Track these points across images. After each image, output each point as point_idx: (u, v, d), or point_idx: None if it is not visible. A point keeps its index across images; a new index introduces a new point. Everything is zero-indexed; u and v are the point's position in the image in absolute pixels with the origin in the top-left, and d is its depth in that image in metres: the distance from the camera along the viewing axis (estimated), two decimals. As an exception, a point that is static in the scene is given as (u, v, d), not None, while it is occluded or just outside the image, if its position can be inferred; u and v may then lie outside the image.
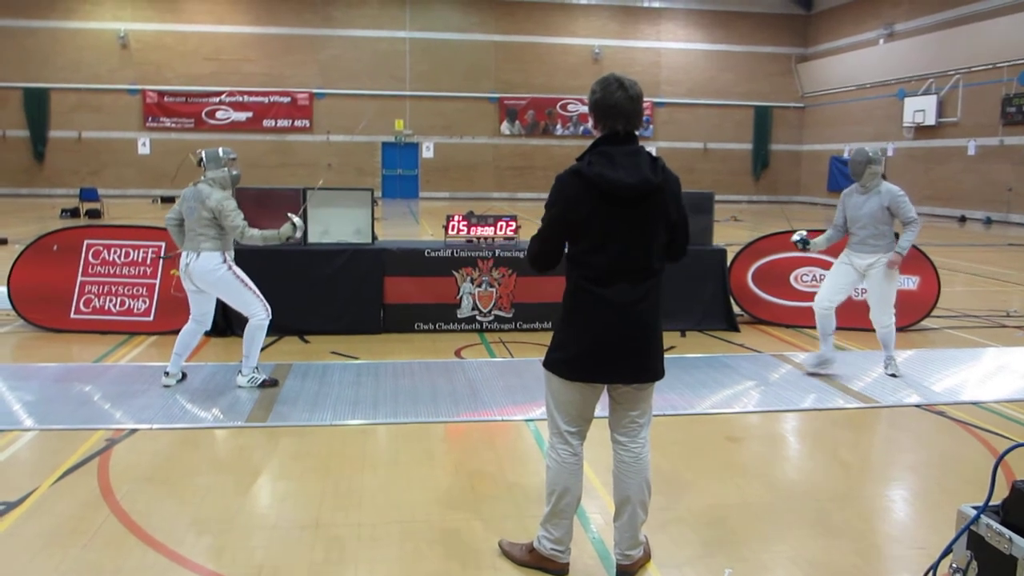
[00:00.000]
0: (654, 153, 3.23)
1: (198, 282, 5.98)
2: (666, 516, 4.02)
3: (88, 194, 23.45)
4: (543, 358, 3.35)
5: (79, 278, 7.99)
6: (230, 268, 5.96)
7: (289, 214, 6.12)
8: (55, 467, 4.55)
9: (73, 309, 7.92)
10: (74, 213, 21.58)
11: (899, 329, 8.40)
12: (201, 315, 6.20)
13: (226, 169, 6.03)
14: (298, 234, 6.13)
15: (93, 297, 7.94)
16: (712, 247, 8.56)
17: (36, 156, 31.52)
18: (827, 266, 8.61)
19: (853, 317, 8.57)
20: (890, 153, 29.58)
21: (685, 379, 6.52)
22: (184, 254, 5.98)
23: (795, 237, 6.92)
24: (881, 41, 30.50)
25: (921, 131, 28.59)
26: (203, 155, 6.05)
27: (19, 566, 3.52)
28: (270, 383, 6.18)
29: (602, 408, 3.39)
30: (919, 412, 5.88)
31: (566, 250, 3.26)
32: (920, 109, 28.24)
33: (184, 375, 6.30)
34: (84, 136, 31.67)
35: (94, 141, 31.80)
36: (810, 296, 8.73)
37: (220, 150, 6.09)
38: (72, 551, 3.62)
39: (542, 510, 3.47)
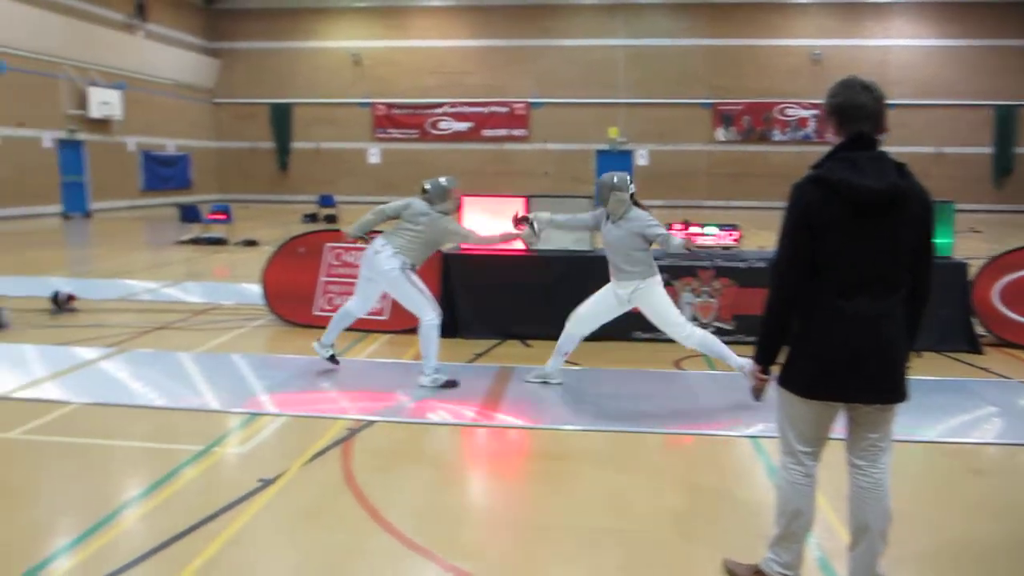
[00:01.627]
0: None
1: (376, 270, 6.37)
2: (902, 551, 3.74)
3: (326, 200, 25.47)
4: (776, 375, 3.27)
5: (321, 278, 8.71)
6: (404, 272, 6.30)
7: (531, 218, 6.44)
8: (303, 451, 4.97)
9: (316, 306, 8.63)
10: (313, 218, 23.43)
11: None
12: (363, 303, 6.71)
13: (449, 202, 6.49)
14: (536, 241, 6.46)
15: (334, 295, 8.61)
16: (951, 261, 7.93)
17: (281, 166, 34.81)
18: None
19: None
20: None
21: (923, 402, 6.02)
22: (382, 242, 6.37)
23: None
24: None
25: None
26: (428, 186, 6.47)
27: (272, 539, 3.91)
28: (451, 384, 6.39)
29: (836, 429, 3.25)
30: None
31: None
32: None
33: (333, 359, 6.82)
34: (322, 147, 34.41)
35: (330, 152, 34.47)
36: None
37: (444, 180, 6.51)
38: (316, 531, 3.95)
39: (768, 531, 3.38)
